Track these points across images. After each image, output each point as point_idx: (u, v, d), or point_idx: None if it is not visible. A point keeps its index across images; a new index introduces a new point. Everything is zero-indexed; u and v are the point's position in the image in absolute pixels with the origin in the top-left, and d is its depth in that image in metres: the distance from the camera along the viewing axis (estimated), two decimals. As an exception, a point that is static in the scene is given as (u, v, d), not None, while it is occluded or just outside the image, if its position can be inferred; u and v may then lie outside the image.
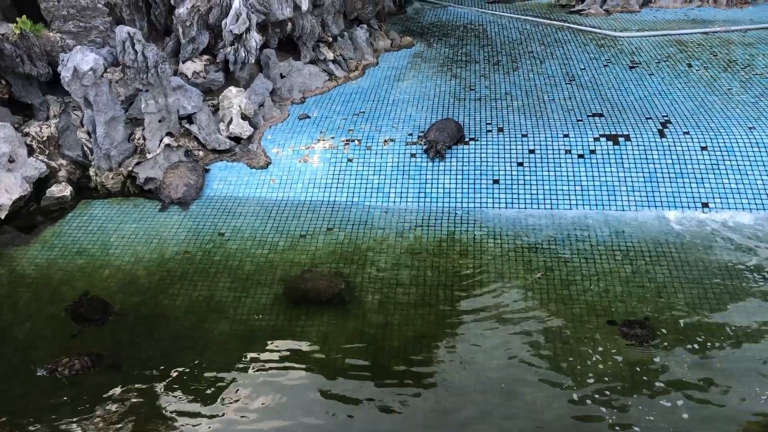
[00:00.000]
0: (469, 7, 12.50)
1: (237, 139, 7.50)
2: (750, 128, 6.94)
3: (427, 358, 4.89)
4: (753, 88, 7.90)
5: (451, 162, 7.00)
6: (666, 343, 4.86)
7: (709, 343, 4.85)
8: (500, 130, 7.34)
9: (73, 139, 7.17)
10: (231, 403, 4.58)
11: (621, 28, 10.51)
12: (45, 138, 7.07)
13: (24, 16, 6.96)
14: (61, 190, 6.93)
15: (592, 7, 11.64)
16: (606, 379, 4.61)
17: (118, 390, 4.68)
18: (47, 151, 7.07)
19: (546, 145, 7.03)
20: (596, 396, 4.48)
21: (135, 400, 4.60)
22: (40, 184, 6.91)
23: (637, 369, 4.67)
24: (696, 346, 4.83)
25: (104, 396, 4.64)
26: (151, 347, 5.10)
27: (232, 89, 7.59)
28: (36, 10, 7.19)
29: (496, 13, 11.99)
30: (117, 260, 6.10)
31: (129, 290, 5.70)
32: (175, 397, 4.63)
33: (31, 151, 6.97)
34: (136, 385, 4.73)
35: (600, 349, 4.86)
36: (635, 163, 6.73)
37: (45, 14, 7.22)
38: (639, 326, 4.98)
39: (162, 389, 4.69)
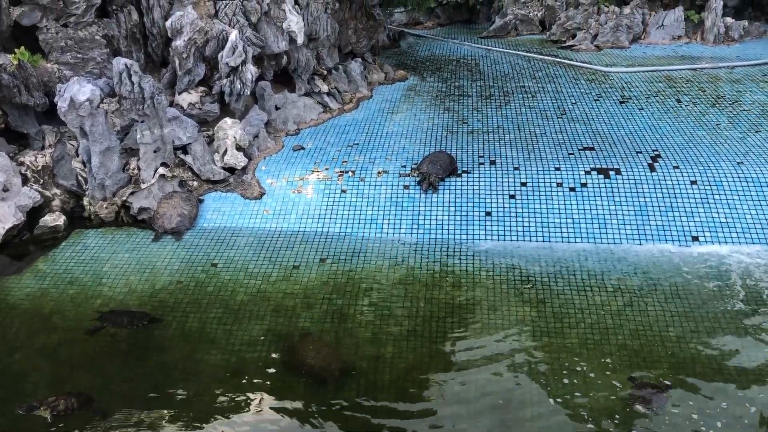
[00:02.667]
0: (462, 42, 12.72)
1: (231, 170, 7.55)
2: (738, 163, 7.04)
3: (418, 392, 4.87)
4: (740, 124, 8.04)
5: (443, 194, 7.05)
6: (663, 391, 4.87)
7: (698, 380, 4.87)
8: (492, 162, 7.42)
9: (68, 169, 7.20)
10: (222, 435, 4.54)
11: (611, 64, 10.71)
12: (40, 167, 7.09)
13: (22, 47, 7.03)
14: (54, 219, 6.93)
15: (583, 43, 11.87)
16: (600, 415, 4.60)
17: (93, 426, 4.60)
18: (42, 181, 7.08)
19: (538, 178, 7.10)
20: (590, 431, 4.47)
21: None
22: (34, 214, 6.92)
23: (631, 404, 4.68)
24: (688, 386, 4.85)
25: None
26: (141, 380, 5.06)
27: (228, 120, 7.66)
28: (34, 41, 7.27)
29: (489, 47, 12.19)
30: (109, 290, 6.08)
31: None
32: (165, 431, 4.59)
33: (25, 181, 6.99)
34: (124, 423, 4.67)
35: (595, 383, 4.86)
36: (626, 197, 6.81)
37: (43, 45, 7.30)
38: (650, 386, 4.75)
39: (150, 423, 4.65)
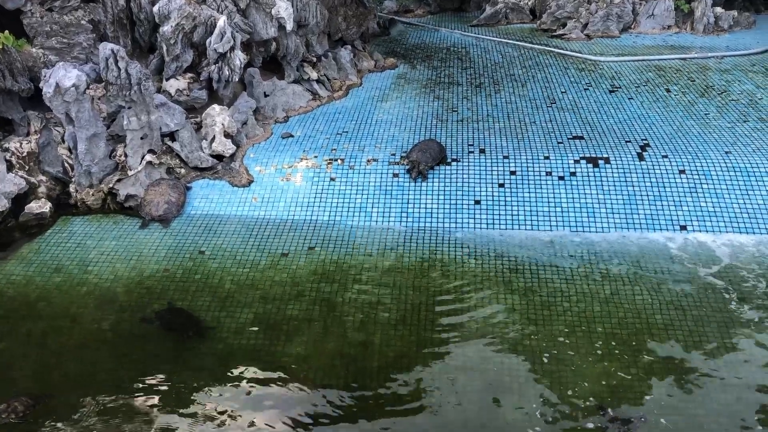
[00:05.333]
0: (453, 30, 12.66)
1: (219, 157, 7.49)
2: (726, 152, 7.06)
3: (406, 379, 4.87)
4: (729, 114, 8.06)
5: (433, 182, 7.04)
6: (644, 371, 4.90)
7: (685, 368, 4.90)
8: (482, 151, 7.41)
9: (54, 155, 7.12)
10: (208, 424, 4.52)
11: (601, 53, 10.70)
12: (25, 154, 7.01)
13: (6, 32, 6.93)
14: (40, 206, 6.86)
15: (574, 32, 11.84)
16: (586, 401, 4.62)
17: (79, 415, 4.57)
18: (27, 167, 7.00)
19: (527, 166, 7.10)
20: (577, 419, 4.48)
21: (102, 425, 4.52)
22: (19, 200, 6.84)
23: (620, 391, 4.69)
24: (674, 373, 4.88)
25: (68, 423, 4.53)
26: (126, 368, 5.03)
27: (216, 107, 7.59)
28: (19, 25, 7.17)
29: (479, 36, 12.15)
30: (95, 278, 6.03)
31: (107, 308, 5.64)
32: (152, 419, 4.57)
33: (10, 167, 6.90)
34: (106, 412, 4.66)
35: (580, 370, 4.88)
36: (615, 186, 6.81)
37: (28, 30, 7.20)
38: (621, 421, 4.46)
39: (137, 411, 4.63)
